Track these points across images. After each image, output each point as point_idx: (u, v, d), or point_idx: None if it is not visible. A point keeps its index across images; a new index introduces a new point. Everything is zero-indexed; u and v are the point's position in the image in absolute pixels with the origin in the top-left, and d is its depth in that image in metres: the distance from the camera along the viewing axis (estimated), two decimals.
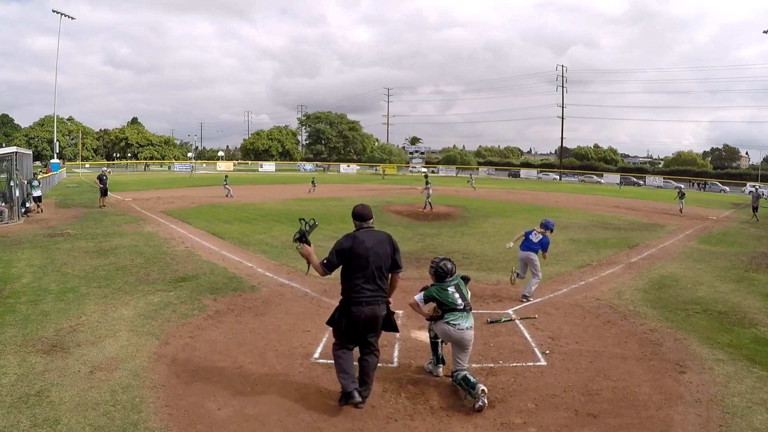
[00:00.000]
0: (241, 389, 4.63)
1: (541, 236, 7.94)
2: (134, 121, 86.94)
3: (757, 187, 42.43)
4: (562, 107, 71.00)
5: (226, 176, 28.59)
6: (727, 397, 4.64)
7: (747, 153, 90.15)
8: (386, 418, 4.20)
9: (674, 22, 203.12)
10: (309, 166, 72.02)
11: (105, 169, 24.46)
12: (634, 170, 71.38)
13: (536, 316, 6.99)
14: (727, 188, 54.05)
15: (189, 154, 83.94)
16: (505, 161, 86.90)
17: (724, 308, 7.57)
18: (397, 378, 4.96)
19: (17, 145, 35.83)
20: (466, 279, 5.05)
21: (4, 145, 58.40)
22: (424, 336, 6.00)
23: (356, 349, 4.50)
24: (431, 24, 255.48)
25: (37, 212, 17.74)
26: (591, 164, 73.53)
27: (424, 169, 69.72)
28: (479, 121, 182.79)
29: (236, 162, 78.72)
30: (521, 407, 4.42)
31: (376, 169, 66.87)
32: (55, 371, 4.84)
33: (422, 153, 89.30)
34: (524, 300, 7.75)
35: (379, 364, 5.12)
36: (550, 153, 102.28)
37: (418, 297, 4.84)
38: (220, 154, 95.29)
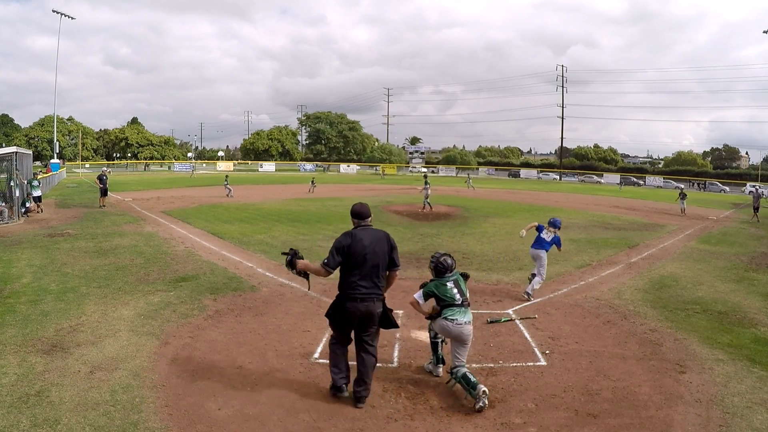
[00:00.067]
0: (241, 389, 4.63)
1: (552, 234, 8.20)
2: (134, 121, 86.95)
3: (758, 187, 42.42)
4: (562, 107, 71.05)
5: (227, 176, 28.61)
6: (727, 397, 4.64)
7: (747, 153, 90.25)
8: (386, 418, 4.20)
9: (674, 22, 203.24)
10: (309, 166, 72.01)
11: (105, 169, 24.46)
12: (634, 170, 71.39)
13: (536, 316, 7.00)
14: (727, 188, 54.06)
15: (189, 154, 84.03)
16: (505, 161, 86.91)
17: (724, 308, 7.57)
18: (397, 378, 4.96)
19: (17, 145, 35.84)
20: (465, 276, 5.05)
21: (4, 145, 58.40)
22: (424, 336, 6.00)
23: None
24: (431, 24, 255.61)
25: (37, 212, 17.75)
26: (591, 164, 73.53)
27: (424, 169, 69.73)
28: (479, 121, 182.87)
29: (236, 162, 78.73)
30: (521, 407, 4.42)
31: (376, 169, 66.89)
32: (55, 371, 4.84)
33: (422, 153, 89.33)
34: (525, 296, 7.85)
35: (379, 364, 5.13)
36: (550, 153, 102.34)
37: (418, 294, 4.85)
38: (220, 154, 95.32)
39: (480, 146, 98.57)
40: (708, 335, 6.31)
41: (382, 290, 4.45)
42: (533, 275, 8.20)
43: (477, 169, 75.02)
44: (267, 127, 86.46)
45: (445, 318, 4.68)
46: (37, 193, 18.40)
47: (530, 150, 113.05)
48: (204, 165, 72.76)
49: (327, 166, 75.16)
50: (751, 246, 14.13)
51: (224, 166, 68.00)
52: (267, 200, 24.41)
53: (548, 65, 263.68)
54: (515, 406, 4.44)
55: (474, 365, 5.19)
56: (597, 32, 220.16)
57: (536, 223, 8.51)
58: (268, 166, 70.20)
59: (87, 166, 59.32)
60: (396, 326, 4.69)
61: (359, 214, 4.49)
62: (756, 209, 21.84)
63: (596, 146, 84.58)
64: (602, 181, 62.03)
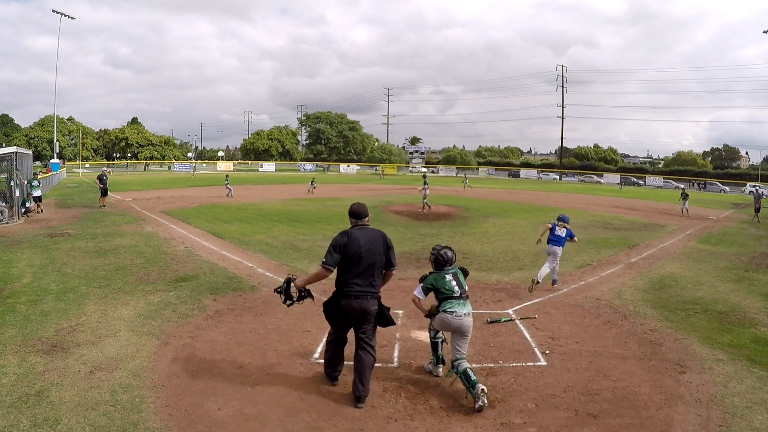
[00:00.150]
0: (241, 389, 4.63)
1: (564, 229, 8.57)
2: (134, 121, 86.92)
3: (758, 187, 42.42)
4: (562, 107, 71.05)
5: (227, 176, 28.61)
6: (727, 397, 4.64)
7: (747, 153, 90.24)
8: (386, 418, 4.20)
9: (674, 22, 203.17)
10: (309, 166, 72.01)
11: (105, 169, 24.46)
12: (634, 170, 71.38)
13: (536, 316, 7.00)
14: (727, 188, 54.06)
15: (189, 154, 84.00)
16: (505, 161, 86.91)
17: (724, 308, 7.57)
18: (397, 378, 4.96)
19: (17, 145, 35.83)
20: (465, 271, 5.06)
21: (4, 145, 58.41)
22: (424, 336, 6.00)
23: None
24: (431, 24, 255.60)
25: (37, 212, 17.75)
26: (591, 164, 73.52)
27: (424, 169, 69.74)
28: (479, 121, 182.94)
29: (236, 162, 78.73)
30: (521, 407, 4.42)
31: (376, 169, 66.88)
32: (55, 371, 4.84)
33: (422, 153, 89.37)
34: (533, 284, 8.18)
35: (379, 364, 5.14)
36: (550, 153, 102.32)
37: (418, 290, 4.86)
38: (220, 154, 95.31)
39: (480, 146, 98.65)
40: (708, 335, 6.31)
41: (378, 289, 4.54)
42: (536, 282, 8.26)
43: (477, 169, 75.04)
44: (267, 127, 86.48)
45: (445, 311, 4.71)
46: (37, 193, 18.40)
47: (530, 150, 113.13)
48: (204, 165, 72.77)
49: (327, 166, 75.15)
50: (751, 246, 14.13)
51: (224, 166, 68.00)
52: (267, 200, 24.41)
53: (548, 65, 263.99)
54: (515, 406, 4.44)
55: (474, 365, 5.17)
56: (597, 32, 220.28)
57: (549, 225, 8.83)
58: (268, 166, 70.19)
59: (87, 166, 59.31)
60: (392, 323, 4.73)
61: (357, 213, 4.59)
62: (757, 210, 21.82)
63: (596, 146, 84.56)
64: (602, 181, 62.03)
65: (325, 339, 5.18)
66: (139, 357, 5.25)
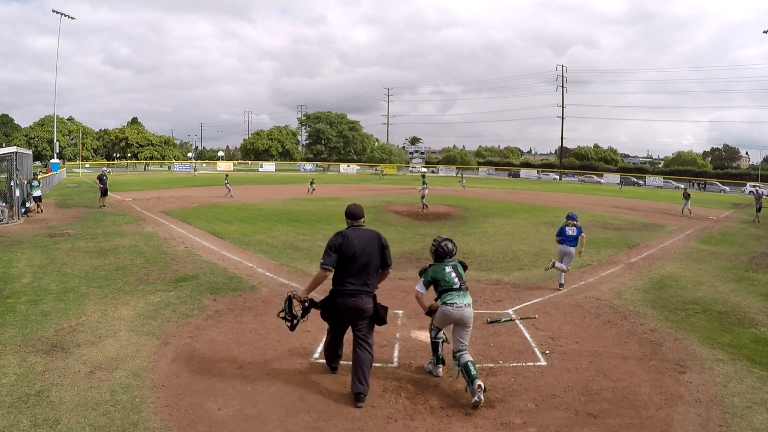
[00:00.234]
0: (241, 389, 4.63)
1: (574, 227, 8.70)
2: (134, 121, 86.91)
3: (758, 187, 42.42)
4: (562, 107, 71.02)
5: (227, 175, 28.59)
6: (727, 397, 4.64)
7: (747, 153, 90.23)
8: (386, 418, 4.20)
9: (674, 22, 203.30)
10: (309, 166, 71.99)
11: (105, 169, 24.46)
12: (634, 170, 71.36)
13: (536, 316, 6.99)
14: (727, 188, 54.05)
15: (189, 154, 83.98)
16: (505, 161, 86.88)
17: (724, 308, 7.57)
18: (397, 378, 4.96)
19: (17, 145, 35.83)
20: (464, 265, 5.08)
21: (4, 145, 58.41)
22: (424, 336, 6.00)
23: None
24: (431, 24, 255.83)
25: (37, 212, 17.75)
26: (591, 164, 73.50)
27: (424, 169, 69.75)
28: (479, 121, 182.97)
29: (236, 162, 78.72)
30: (521, 407, 4.42)
31: (376, 169, 66.88)
32: (55, 371, 4.84)
33: (422, 153, 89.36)
34: (563, 268, 8.52)
35: (379, 364, 5.15)
36: (550, 153, 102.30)
37: (419, 285, 4.89)
38: (220, 154, 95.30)
39: (480, 146, 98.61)
40: (708, 335, 6.31)
41: (373, 288, 4.64)
42: (554, 263, 8.64)
43: (477, 169, 75.02)
44: (267, 127, 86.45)
45: (445, 303, 4.74)
46: (37, 193, 18.40)
47: (530, 150, 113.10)
48: (204, 165, 72.76)
49: (327, 166, 75.15)
50: (751, 246, 14.13)
51: (224, 166, 68.00)
52: (267, 200, 24.41)
53: (548, 65, 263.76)
54: (515, 406, 4.44)
55: None
56: (597, 32, 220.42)
57: (558, 232, 8.95)
58: (268, 166, 70.18)
59: (87, 166, 59.31)
60: (383, 323, 4.77)
61: (352, 214, 4.72)
62: (758, 210, 21.78)
63: (596, 146, 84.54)
64: (602, 181, 62.02)
65: (324, 341, 5.24)
66: (139, 357, 5.25)
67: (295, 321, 4.79)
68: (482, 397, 4.35)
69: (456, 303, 4.70)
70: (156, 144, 73.78)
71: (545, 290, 8.43)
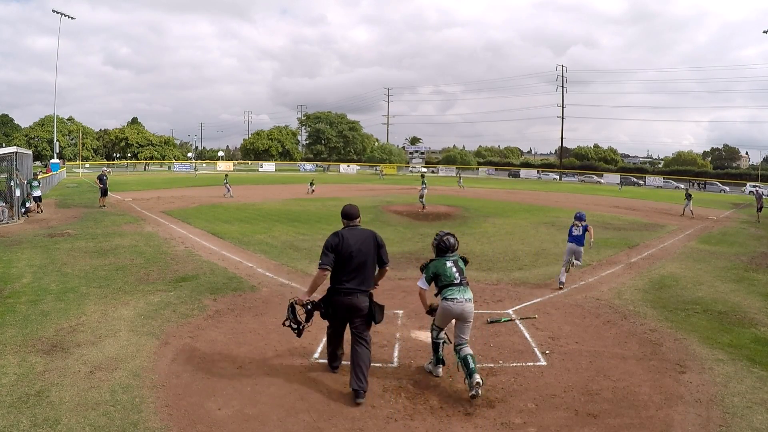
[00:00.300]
0: (241, 389, 4.63)
1: (581, 227, 8.92)
2: (134, 121, 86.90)
3: (759, 187, 42.43)
4: (562, 107, 71.03)
5: (226, 175, 28.58)
6: (727, 397, 4.64)
7: (747, 153, 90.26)
8: (386, 418, 4.20)
9: (674, 22, 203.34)
10: (309, 166, 72.00)
11: (105, 169, 24.46)
12: (634, 170, 71.37)
13: (536, 316, 6.99)
14: (727, 188, 54.07)
15: (189, 154, 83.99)
16: (505, 161, 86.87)
17: (724, 308, 7.57)
18: (397, 378, 4.96)
19: (17, 145, 35.83)
20: (465, 260, 5.08)
21: (4, 145, 58.42)
22: (424, 336, 6.00)
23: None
24: (431, 24, 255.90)
25: (37, 212, 17.75)
26: (591, 164, 73.51)
27: (424, 169, 69.75)
28: (479, 121, 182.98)
29: (236, 162, 78.72)
30: (521, 407, 4.42)
31: (376, 169, 66.89)
32: (55, 371, 4.84)
33: (422, 153, 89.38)
34: (577, 264, 8.93)
35: (379, 364, 5.16)
36: (550, 153, 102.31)
37: (421, 281, 4.91)
38: (220, 154, 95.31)
39: (480, 146, 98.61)
40: (708, 335, 6.31)
41: (369, 287, 4.73)
42: (572, 263, 8.91)
43: (477, 168, 75.04)
44: (267, 127, 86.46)
45: (445, 298, 4.75)
46: (37, 193, 18.40)
47: (530, 150, 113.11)
48: (204, 165, 72.76)
49: (327, 166, 75.15)
50: (751, 246, 14.13)
51: (224, 166, 68.01)
52: (267, 200, 24.41)
53: (548, 65, 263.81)
54: (515, 406, 4.44)
55: None
56: (597, 32, 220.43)
57: (567, 234, 9.25)
58: (268, 166, 70.18)
59: (87, 166, 59.31)
60: (377, 321, 4.80)
61: (348, 215, 4.82)
62: (759, 209, 21.74)
63: (596, 146, 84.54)
64: (602, 181, 62.02)
65: (324, 341, 5.26)
66: (139, 357, 5.25)
67: (301, 327, 4.84)
68: (479, 392, 4.39)
69: (456, 298, 4.71)
70: (156, 144, 73.77)
71: (545, 290, 8.43)
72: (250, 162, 75.74)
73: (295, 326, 4.83)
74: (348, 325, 4.79)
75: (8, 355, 5.18)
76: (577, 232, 8.93)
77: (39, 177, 21.57)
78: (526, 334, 6.27)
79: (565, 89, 70.89)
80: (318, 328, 6.13)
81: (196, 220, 16.05)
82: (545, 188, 43.55)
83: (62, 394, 4.39)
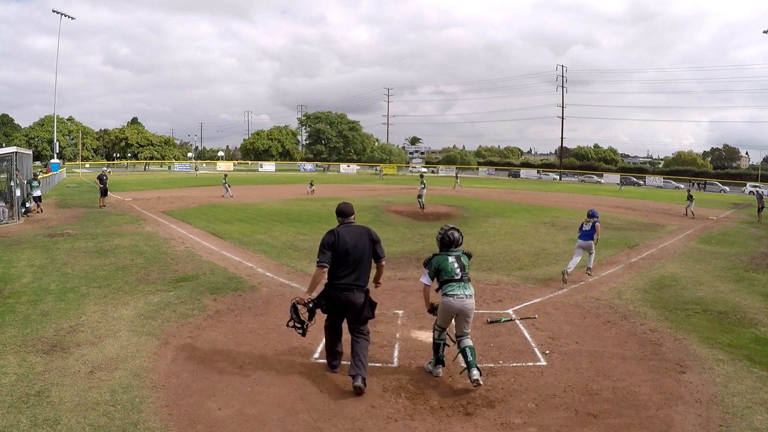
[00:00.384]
0: (241, 389, 4.63)
1: (591, 224, 9.24)
2: (134, 121, 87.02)
3: (759, 187, 42.41)
4: (562, 107, 71.05)
5: (226, 175, 28.57)
6: (727, 397, 4.63)
7: (747, 153, 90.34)
8: (386, 418, 4.20)
9: (674, 22, 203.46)
10: (309, 166, 72.02)
11: (105, 169, 24.47)
12: (634, 170, 71.38)
13: (536, 316, 6.99)
14: (727, 188, 54.08)
15: (189, 154, 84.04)
16: (505, 161, 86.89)
17: (724, 308, 7.56)
18: (397, 378, 4.96)
19: (17, 145, 35.84)
20: (468, 255, 5.07)
21: (4, 145, 58.43)
22: (424, 336, 6.00)
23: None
24: (431, 24, 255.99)
25: (37, 212, 17.75)
26: (591, 164, 73.54)
27: (424, 169, 69.75)
28: (479, 121, 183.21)
29: (236, 162, 78.74)
30: (521, 407, 4.42)
31: (376, 169, 66.91)
32: (55, 371, 4.84)
33: (422, 153, 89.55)
34: (588, 272, 9.23)
35: (379, 364, 5.18)
36: (550, 153, 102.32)
37: (424, 277, 4.93)
38: (220, 154, 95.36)
39: (480, 146, 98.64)
40: (708, 335, 6.31)
41: (365, 282, 4.82)
42: (566, 272, 9.00)
43: (477, 168, 75.07)
44: (267, 127, 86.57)
45: (446, 294, 4.76)
46: (37, 193, 18.41)
47: (530, 150, 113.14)
48: (204, 165, 72.80)
49: (327, 166, 75.17)
50: (751, 246, 14.13)
51: (224, 166, 68.03)
52: (267, 200, 24.40)
53: (548, 65, 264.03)
54: (515, 406, 4.44)
55: None
56: (597, 32, 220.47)
57: (578, 231, 9.61)
58: (268, 166, 70.19)
59: (87, 166, 59.32)
60: (370, 317, 4.88)
61: (343, 212, 4.93)
62: (760, 210, 21.72)
63: (596, 146, 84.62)
64: (602, 181, 62.03)
65: (324, 341, 5.27)
66: (139, 357, 5.25)
67: (305, 326, 4.88)
68: (480, 382, 4.54)
69: (457, 294, 4.72)
70: (156, 144, 73.79)
71: (545, 290, 8.43)
72: (250, 162, 75.77)
73: (299, 326, 4.88)
74: (346, 320, 4.89)
75: (8, 355, 5.18)
76: (586, 227, 9.22)
77: (39, 177, 21.57)
78: (526, 334, 6.27)
79: (565, 89, 71.01)
80: (318, 328, 6.13)
81: (196, 220, 16.05)
82: (545, 188, 43.55)
83: (62, 394, 4.39)
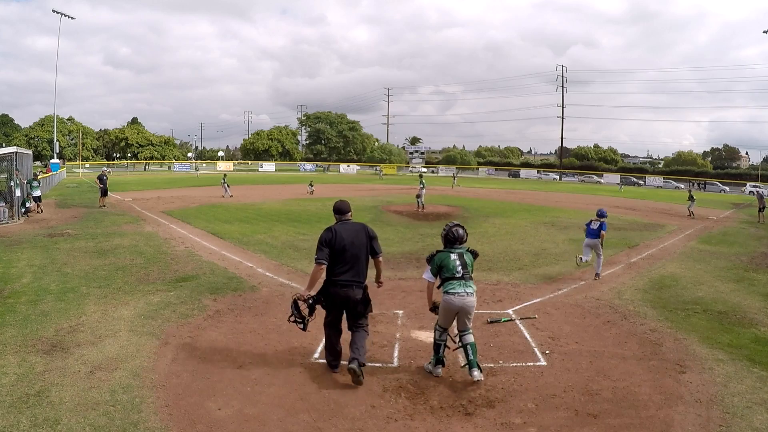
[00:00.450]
0: (241, 389, 4.63)
1: (598, 223, 9.28)
2: (134, 121, 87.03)
3: (759, 187, 42.39)
4: (562, 107, 71.07)
5: (225, 175, 28.57)
6: (727, 397, 4.63)
7: (747, 153, 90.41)
8: (386, 418, 4.20)
9: (674, 22, 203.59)
10: (309, 166, 72.04)
11: (105, 169, 24.47)
12: (634, 170, 71.40)
13: (536, 316, 6.99)
14: (727, 188, 54.09)
15: (189, 154, 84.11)
16: (505, 161, 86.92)
17: (724, 308, 7.56)
18: (397, 378, 4.95)
19: (17, 145, 35.84)
20: (474, 254, 5.04)
21: (4, 145, 58.43)
22: (424, 336, 6.00)
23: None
24: (431, 24, 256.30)
25: (37, 212, 17.75)
26: (591, 164, 73.57)
27: (424, 170, 69.75)
28: (479, 121, 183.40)
29: (236, 162, 78.75)
30: (521, 407, 4.41)
31: (376, 169, 66.91)
32: (55, 371, 4.84)
33: (422, 153, 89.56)
34: (597, 278, 9.23)
35: (379, 364, 5.19)
36: (550, 153, 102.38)
37: (427, 274, 4.93)
38: (220, 154, 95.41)
39: (480, 146, 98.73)
40: (708, 335, 6.31)
41: (364, 278, 4.89)
42: (581, 259, 9.49)
43: (477, 168, 75.06)
44: (267, 127, 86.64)
45: (447, 292, 4.77)
46: (37, 193, 18.41)
47: (530, 150, 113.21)
48: (204, 165, 72.84)
49: (327, 166, 75.17)
50: (751, 246, 14.13)
51: (224, 166, 68.03)
52: (267, 200, 24.40)
53: (548, 65, 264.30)
54: (515, 406, 4.44)
55: None
56: (597, 32, 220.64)
57: (584, 226, 9.75)
58: (268, 166, 70.21)
59: (87, 166, 59.32)
60: (359, 312, 4.93)
61: (339, 210, 5.04)
62: (761, 210, 21.71)
63: (596, 146, 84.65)
64: (602, 181, 62.06)
65: (324, 341, 5.28)
66: (139, 357, 5.25)
67: (306, 320, 4.96)
68: (482, 378, 4.62)
69: (458, 292, 4.72)
70: (156, 144, 73.81)
71: (545, 290, 8.43)
72: (250, 162, 75.79)
73: (300, 321, 4.96)
74: (345, 316, 4.97)
75: (8, 355, 5.18)
76: (593, 226, 9.32)
77: (39, 177, 21.58)
78: (526, 334, 6.27)
79: (565, 89, 71.06)
80: (317, 328, 6.14)
81: (196, 220, 16.05)
82: (545, 188, 43.55)
83: (62, 394, 4.39)
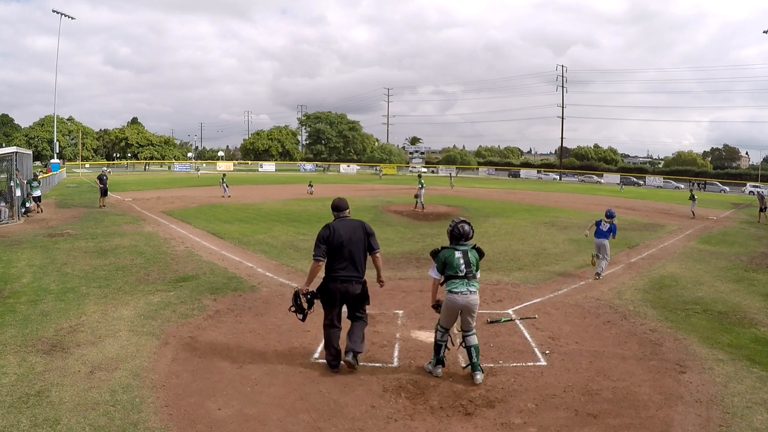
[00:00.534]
0: (241, 389, 4.62)
1: (608, 224, 9.32)
2: (134, 121, 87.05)
3: (759, 188, 42.39)
4: (562, 107, 71.08)
5: (224, 175, 28.56)
6: (727, 397, 4.63)
7: (747, 153, 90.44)
8: (386, 418, 4.20)
9: (674, 22, 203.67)
10: (309, 166, 72.05)
11: (105, 169, 24.48)
12: (634, 170, 71.42)
13: (536, 316, 6.99)
14: (727, 188, 54.10)
15: (189, 154, 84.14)
16: (505, 161, 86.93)
17: (724, 308, 7.56)
18: (397, 378, 4.95)
19: (17, 145, 35.84)
20: (480, 252, 5.00)
21: (4, 145, 58.44)
22: (424, 336, 6.00)
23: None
24: (431, 24, 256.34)
25: (37, 212, 17.75)
26: (591, 164, 73.58)
27: (423, 170, 69.75)
28: (479, 121, 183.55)
29: (236, 162, 78.76)
30: (521, 407, 4.41)
31: (376, 169, 66.90)
32: (55, 371, 4.84)
33: (422, 153, 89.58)
34: (597, 277, 9.23)
35: (379, 364, 5.20)
36: (550, 153, 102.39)
37: (432, 271, 4.93)
38: (220, 154, 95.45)
39: (480, 146, 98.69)
40: (708, 335, 6.31)
41: (362, 274, 5.00)
42: (597, 256, 9.46)
43: (477, 168, 75.06)
44: (267, 127, 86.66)
45: (450, 291, 4.77)
46: (37, 193, 18.41)
47: (530, 150, 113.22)
48: (204, 165, 72.85)
49: (327, 166, 75.19)
50: (751, 246, 14.13)
51: (224, 166, 68.04)
52: (267, 200, 24.40)
53: (548, 65, 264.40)
54: (515, 406, 4.44)
55: None
56: (597, 32, 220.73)
57: (594, 222, 9.75)
58: (268, 166, 70.22)
59: (87, 166, 59.32)
60: (354, 307, 5.08)
61: (337, 207, 5.15)
62: (762, 210, 21.69)
63: (596, 146, 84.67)
64: (602, 181, 62.07)
65: (324, 341, 5.29)
66: (139, 357, 5.25)
67: (305, 312, 5.10)
68: (481, 378, 4.68)
69: (461, 291, 4.72)
70: (156, 144, 73.80)
71: (545, 290, 8.43)
72: (250, 162, 75.80)
73: (299, 312, 5.10)
74: (345, 308, 5.09)
75: (8, 355, 5.18)
76: (603, 228, 9.37)
77: (39, 177, 21.58)
78: (526, 334, 6.26)
79: (565, 89, 71.09)
80: (318, 328, 6.13)
81: (196, 220, 16.05)
82: (545, 188, 43.56)
83: (62, 394, 4.39)
